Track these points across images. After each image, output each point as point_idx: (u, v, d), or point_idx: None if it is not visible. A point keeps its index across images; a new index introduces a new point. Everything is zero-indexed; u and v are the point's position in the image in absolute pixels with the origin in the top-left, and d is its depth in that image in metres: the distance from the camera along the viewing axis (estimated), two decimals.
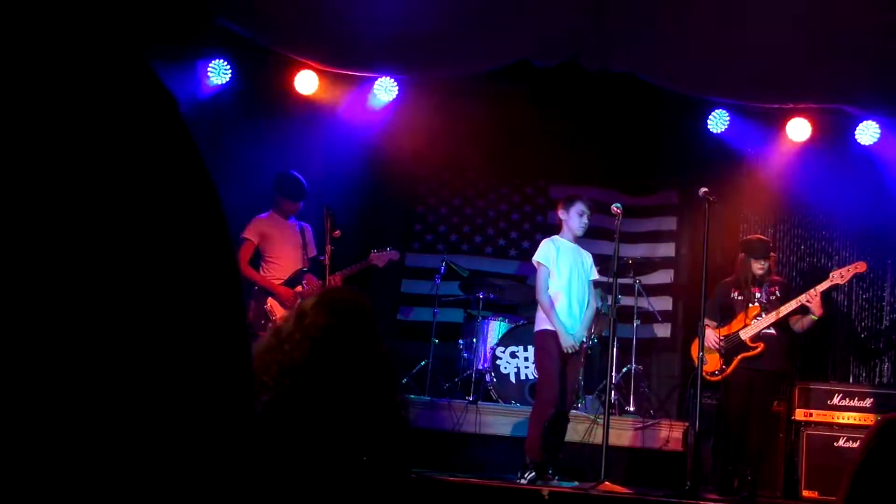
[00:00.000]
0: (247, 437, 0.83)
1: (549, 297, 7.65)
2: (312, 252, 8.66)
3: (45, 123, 0.71)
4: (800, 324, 8.16)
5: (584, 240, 10.37)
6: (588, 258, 7.91)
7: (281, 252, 8.50)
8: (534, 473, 7.30)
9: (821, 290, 8.02)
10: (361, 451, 3.29)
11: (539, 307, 7.73)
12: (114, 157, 0.74)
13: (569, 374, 7.61)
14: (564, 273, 7.72)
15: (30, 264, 0.69)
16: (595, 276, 7.91)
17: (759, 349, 8.05)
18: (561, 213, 7.88)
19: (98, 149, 0.73)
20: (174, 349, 0.76)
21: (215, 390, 0.80)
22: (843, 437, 8.36)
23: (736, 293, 8.29)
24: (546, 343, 7.59)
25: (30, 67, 0.72)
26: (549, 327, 7.59)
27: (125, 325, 0.73)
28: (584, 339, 7.86)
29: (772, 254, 8.46)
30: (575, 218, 7.77)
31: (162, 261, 0.76)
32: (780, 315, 8.06)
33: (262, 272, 8.44)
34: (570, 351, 7.52)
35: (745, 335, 8.12)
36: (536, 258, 7.78)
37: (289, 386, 3.28)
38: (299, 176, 8.74)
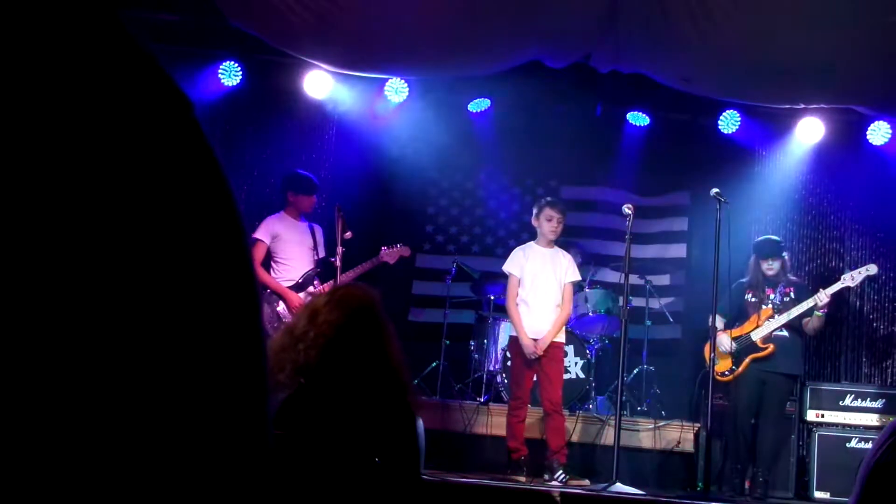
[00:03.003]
0: (262, 439, 0.84)
1: (514, 305, 7.94)
2: (323, 253, 8.65)
3: (61, 128, 0.72)
4: (810, 325, 8.14)
5: (596, 241, 10.39)
6: (564, 262, 8.03)
7: (292, 253, 8.50)
8: (509, 470, 7.69)
9: (830, 292, 8.01)
10: (374, 452, 3.29)
11: (508, 314, 8.11)
12: (130, 162, 0.74)
13: (550, 374, 7.84)
14: (529, 280, 7.94)
15: (44, 267, 0.69)
16: (571, 278, 8.00)
17: (768, 350, 8.04)
18: (533, 221, 8.10)
19: (115, 153, 0.74)
20: (190, 351, 0.76)
21: (232, 390, 0.80)
22: (855, 437, 8.33)
23: (750, 295, 8.28)
24: (514, 349, 8.03)
25: (44, 71, 0.72)
26: (514, 333, 8.00)
27: (140, 327, 0.73)
28: (563, 341, 8.08)
29: (784, 254, 8.43)
30: (544, 223, 7.96)
31: (179, 264, 0.76)
32: (791, 317, 8.04)
33: (272, 273, 8.45)
34: (531, 357, 7.77)
35: (755, 336, 8.10)
36: (504, 267, 8.11)
37: (304, 385, 3.29)
38: (308, 173, 8.76)
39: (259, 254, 8.34)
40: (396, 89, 9.93)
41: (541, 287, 7.88)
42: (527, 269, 7.95)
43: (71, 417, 0.70)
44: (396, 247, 8.79)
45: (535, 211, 8.08)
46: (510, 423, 7.87)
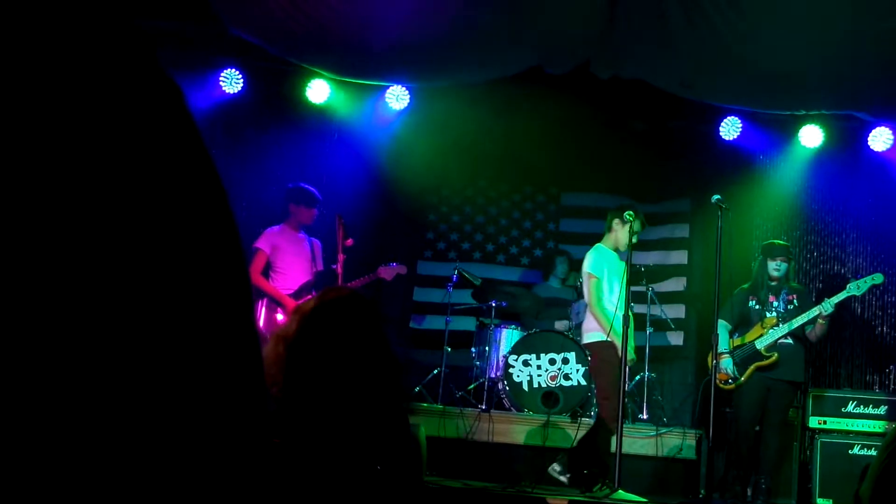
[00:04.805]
0: (259, 446, 0.83)
1: (602, 308, 7.52)
2: (320, 267, 8.68)
3: (48, 114, 0.71)
4: (814, 333, 8.12)
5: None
6: (624, 266, 7.81)
7: (290, 264, 8.53)
8: (600, 484, 7.27)
9: (835, 302, 7.97)
10: (374, 460, 3.28)
11: (595, 318, 7.55)
12: (119, 149, 0.74)
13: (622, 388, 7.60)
14: (616, 286, 7.59)
15: (30, 264, 0.69)
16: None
17: (773, 359, 8.01)
18: (616, 224, 7.71)
19: (103, 140, 0.73)
20: (179, 352, 0.75)
21: (227, 394, 0.79)
22: (858, 444, 8.30)
23: (753, 301, 8.25)
24: (609, 354, 7.42)
25: (34, 57, 0.72)
26: (608, 338, 7.43)
27: (126, 326, 0.72)
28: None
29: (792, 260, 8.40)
30: (625, 233, 7.62)
31: (168, 257, 0.75)
32: (794, 326, 8.01)
33: (270, 283, 8.47)
34: (630, 365, 7.46)
35: (760, 345, 8.08)
36: (589, 269, 7.61)
37: (297, 394, 3.27)
38: (311, 187, 8.78)
39: (259, 263, 8.38)
40: (397, 96, 9.94)
41: (615, 291, 7.59)
42: (609, 275, 7.62)
43: (70, 417, 0.69)
44: (394, 265, 8.80)
45: (623, 214, 7.66)
46: (605, 440, 7.42)
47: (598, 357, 7.63)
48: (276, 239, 8.56)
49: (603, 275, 7.59)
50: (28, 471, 0.68)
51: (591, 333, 7.62)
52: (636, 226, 7.64)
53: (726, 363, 8.07)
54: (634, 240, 7.69)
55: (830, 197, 9.99)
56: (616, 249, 7.75)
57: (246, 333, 0.82)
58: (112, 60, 0.75)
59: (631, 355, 7.46)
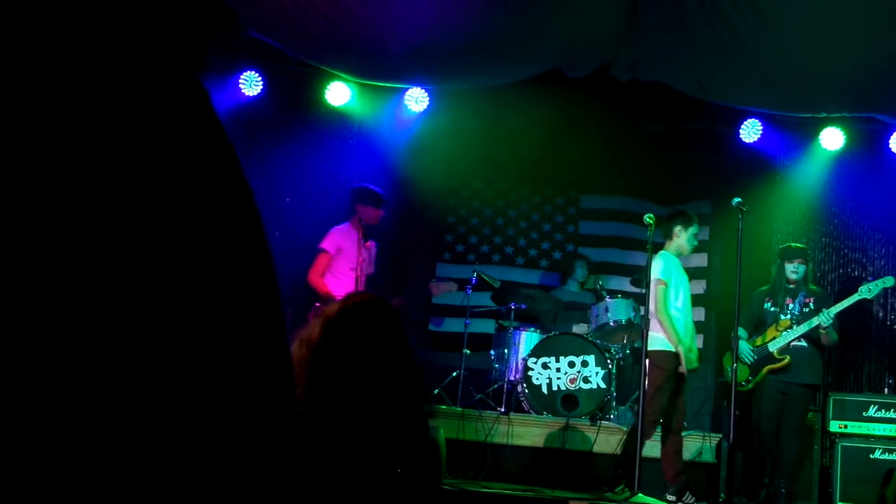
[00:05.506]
0: (286, 447, 0.83)
1: (670, 316, 7.53)
2: (373, 269, 8.63)
3: (77, 114, 0.71)
4: (823, 339, 8.06)
5: (615, 250, 10.34)
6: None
7: (349, 268, 8.42)
8: (622, 486, 7.35)
9: (836, 311, 7.91)
10: (395, 463, 3.27)
11: (661, 324, 7.52)
12: (147, 149, 0.74)
13: (681, 395, 7.66)
14: (682, 293, 7.64)
15: (54, 262, 0.69)
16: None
17: (784, 362, 7.98)
18: (677, 230, 7.77)
19: (132, 140, 0.73)
20: (208, 352, 0.75)
21: (255, 395, 0.79)
22: (879, 448, 8.25)
23: (770, 303, 8.22)
24: (668, 363, 7.49)
25: (63, 59, 0.72)
26: (670, 348, 7.49)
27: (152, 326, 0.72)
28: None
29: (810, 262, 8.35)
30: (690, 239, 7.75)
31: (195, 256, 0.75)
32: (804, 331, 7.96)
33: (327, 285, 8.38)
34: (681, 372, 7.53)
35: (772, 347, 8.05)
36: (659, 276, 7.57)
37: (319, 396, 3.27)
38: (376, 187, 8.75)
39: (321, 264, 8.32)
40: (417, 99, 9.95)
41: (680, 297, 7.62)
42: (676, 281, 7.65)
43: (87, 414, 0.69)
44: (443, 283, 8.86)
45: (682, 221, 7.78)
46: (679, 450, 7.56)
47: (653, 364, 7.57)
48: (342, 241, 8.46)
49: (671, 281, 7.60)
50: (46, 469, 0.68)
51: (652, 340, 7.50)
52: (696, 230, 7.79)
53: (742, 346, 8.01)
54: (695, 243, 7.85)
55: (851, 199, 9.93)
56: (679, 256, 7.78)
57: (274, 334, 0.82)
58: (140, 64, 0.75)
59: (694, 363, 7.56)
